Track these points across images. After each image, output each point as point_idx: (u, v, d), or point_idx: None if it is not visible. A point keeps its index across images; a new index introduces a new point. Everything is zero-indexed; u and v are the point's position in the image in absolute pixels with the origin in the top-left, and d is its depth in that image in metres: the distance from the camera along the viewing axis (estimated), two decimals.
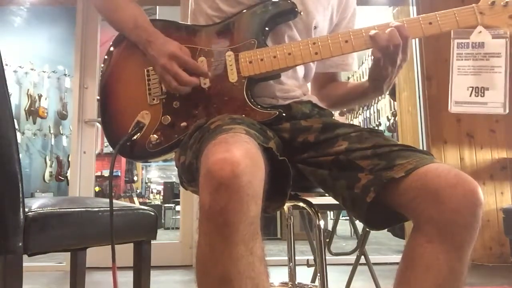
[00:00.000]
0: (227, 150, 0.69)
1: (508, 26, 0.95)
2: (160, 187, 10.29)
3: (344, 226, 6.79)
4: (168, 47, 1.01)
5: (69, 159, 4.64)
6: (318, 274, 1.15)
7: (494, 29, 0.96)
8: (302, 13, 1.07)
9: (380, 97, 6.50)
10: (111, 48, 1.13)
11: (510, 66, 0.95)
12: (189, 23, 1.15)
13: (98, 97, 1.11)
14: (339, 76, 1.29)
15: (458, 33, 0.99)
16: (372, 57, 0.98)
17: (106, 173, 7.13)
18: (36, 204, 0.97)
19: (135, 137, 1.04)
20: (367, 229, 1.95)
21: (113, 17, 1.12)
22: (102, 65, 1.13)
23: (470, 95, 0.97)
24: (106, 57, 1.13)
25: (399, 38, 0.94)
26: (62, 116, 7.29)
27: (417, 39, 3.79)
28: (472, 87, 0.97)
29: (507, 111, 0.95)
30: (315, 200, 1.23)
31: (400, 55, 0.96)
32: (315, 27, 1.12)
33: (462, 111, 0.98)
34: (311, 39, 1.02)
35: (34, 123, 6.96)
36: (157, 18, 4.86)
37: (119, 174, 8.59)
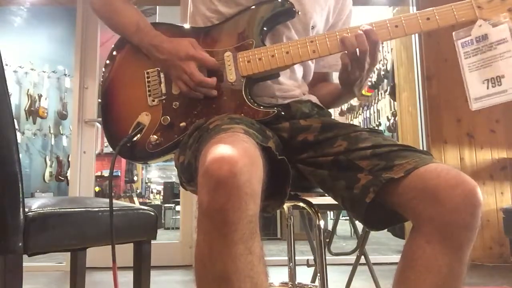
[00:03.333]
0: (225, 149, 0.69)
1: (506, 17, 0.95)
2: (160, 187, 10.28)
3: (344, 226, 6.79)
4: (180, 48, 1.01)
5: (69, 159, 4.64)
6: (318, 274, 1.15)
7: (492, 19, 0.95)
8: (299, 12, 1.07)
9: (380, 97, 6.51)
10: (113, 51, 1.13)
11: None
12: (188, 25, 1.15)
13: (100, 100, 1.12)
14: (330, 76, 1.30)
15: (459, 33, 0.98)
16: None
17: (106, 173, 7.13)
18: (36, 204, 0.97)
19: (135, 138, 1.04)
20: (367, 229, 1.95)
21: (113, 21, 1.12)
22: (104, 68, 1.13)
23: (488, 88, 0.96)
24: (107, 60, 1.13)
25: (366, 44, 0.94)
26: (62, 116, 7.30)
27: (417, 39, 3.80)
28: (487, 79, 0.96)
29: None
30: (315, 200, 1.24)
31: (368, 60, 0.97)
32: (313, 27, 1.12)
33: (484, 106, 0.97)
34: (308, 37, 1.03)
35: (34, 123, 6.96)
36: (157, 18, 4.87)
37: (119, 174, 8.59)
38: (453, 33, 0.99)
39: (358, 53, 0.95)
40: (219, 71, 1.03)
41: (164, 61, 1.03)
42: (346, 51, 0.96)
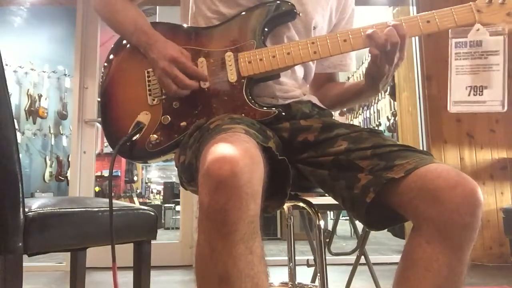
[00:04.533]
0: (226, 149, 0.69)
1: (506, 23, 0.95)
2: (160, 187, 10.29)
3: (344, 226, 6.79)
4: (168, 50, 1.01)
5: (69, 159, 4.64)
6: (318, 274, 1.15)
7: (492, 26, 0.96)
8: (300, 14, 1.07)
9: (380, 97, 6.51)
10: (112, 51, 1.13)
11: (509, 63, 0.95)
12: (189, 25, 1.16)
13: (99, 98, 1.11)
14: (337, 76, 1.29)
15: (456, 32, 0.99)
16: (370, 56, 0.98)
17: (106, 173, 7.12)
18: (36, 204, 0.97)
19: (135, 138, 1.04)
20: (367, 229, 1.95)
21: (113, 20, 1.12)
22: (104, 66, 1.13)
23: (469, 95, 0.97)
24: (106, 60, 1.13)
25: (397, 36, 0.94)
26: (62, 116, 7.30)
27: (417, 39, 3.80)
28: (471, 86, 0.97)
29: (506, 108, 0.95)
30: (315, 200, 1.24)
31: (397, 54, 0.97)
32: (314, 28, 1.12)
33: (461, 111, 0.98)
34: (309, 38, 1.03)
35: (34, 123, 6.96)
36: (157, 18, 4.87)
37: (119, 174, 8.60)
38: (450, 30, 0.99)
39: (389, 47, 0.94)
40: (220, 72, 1.03)
41: (152, 60, 1.03)
42: (375, 45, 0.95)
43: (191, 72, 1.00)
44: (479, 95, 0.96)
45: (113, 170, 1.03)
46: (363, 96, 1.16)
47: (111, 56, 1.13)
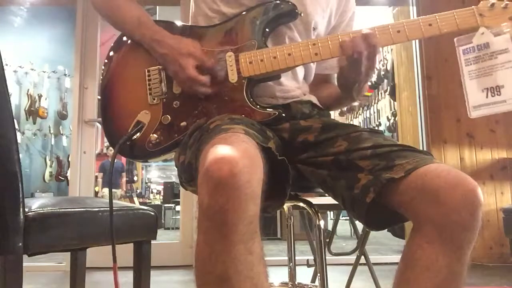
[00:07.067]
0: (225, 149, 0.69)
1: (508, 27, 0.95)
2: (160, 187, 10.30)
3: (344, 226, 6.80)
4: (184, 44, 1.01)
5: (69, 159, 4.64)
6: (318, 274, 1.16)
7: (494, 28, 0.96)
8: (302, 14, 1.07)
9: (380, 97, 6.51)
10: (112, 50, 1.13)
11: None
12: (189, 24, 1.15)
13: (99, 97, 1.12)
14: (333, 78, 1.29)
15: (461, 40, 0.99)
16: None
17: None
18: (36, 204, 0.97)
19: (135, 137, 1.04)
20: (367, 229, 1.95)
21: (115, 18, 1.11)
22: (104, 64, 1.13)
23: (487, 97, 0.96)
24: (107, 58, 1.13)
25: (361, 47, 0.94)
26: (62, 116, 7.31)
27: (417, 40, 3.80)
28: (487, 88, 0.96)
29: None
30: (315, 200, 1.24)
31: (364, 63, 0.96)
32: (314, 28, 1.12)
33: (482, 114, 0.98)
34: (311, 40, 1.03)
35: (34, 123, 6.98)
36: (157, 18, 4.88)
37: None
38: (455, 39, 0.99)
39: (354, 56, 0.95)
40: (221, 71, 1.03)
41: (164, 55, 1.03)
42: (343, 55, 0.96)
43: (208, 67, 1.01)
44: (497, 95, 0.95)
45: (113, 168, 1.03)
46: (342, 103, 1.19)
47: (111, 54, 1.12)
